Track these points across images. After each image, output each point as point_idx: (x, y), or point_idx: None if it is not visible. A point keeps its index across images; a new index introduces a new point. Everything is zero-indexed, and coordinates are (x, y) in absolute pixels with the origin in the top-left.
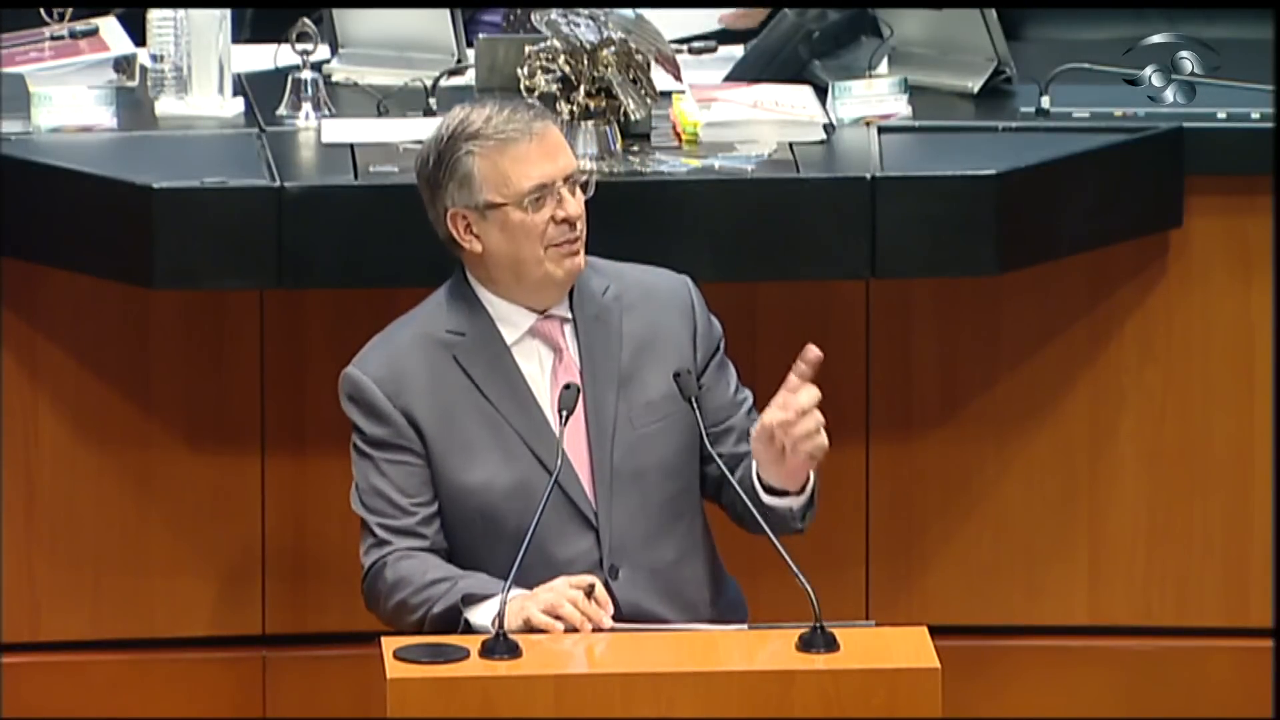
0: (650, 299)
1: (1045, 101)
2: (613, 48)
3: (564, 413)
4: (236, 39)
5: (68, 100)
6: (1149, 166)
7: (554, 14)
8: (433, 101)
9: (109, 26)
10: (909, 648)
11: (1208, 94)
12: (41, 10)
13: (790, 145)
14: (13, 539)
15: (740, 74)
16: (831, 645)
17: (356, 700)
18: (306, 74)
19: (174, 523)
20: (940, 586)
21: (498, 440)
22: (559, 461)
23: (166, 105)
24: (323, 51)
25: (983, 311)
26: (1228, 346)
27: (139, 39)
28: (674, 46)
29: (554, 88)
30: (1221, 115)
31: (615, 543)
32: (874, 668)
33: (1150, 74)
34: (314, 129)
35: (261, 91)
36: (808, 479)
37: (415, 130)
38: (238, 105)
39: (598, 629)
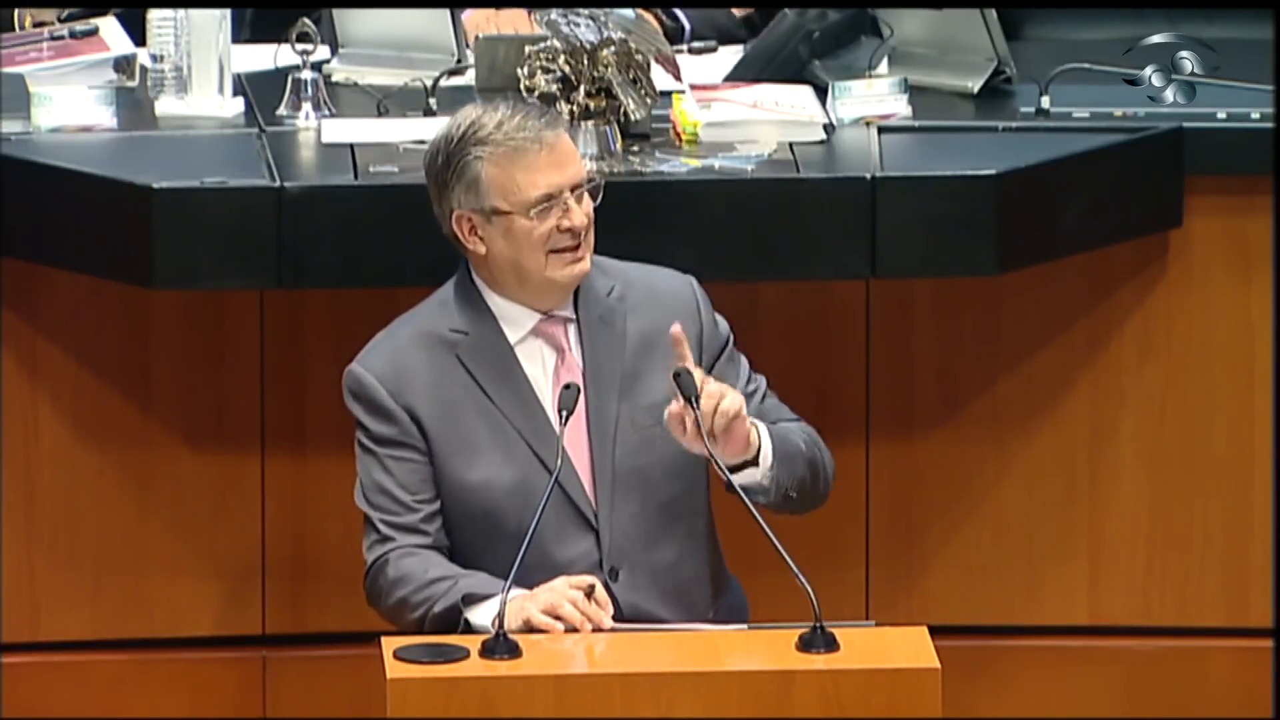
0: (655, 300)
1: (1045, 101)
2: (613, 48)
3: (564, 413)
4: (236, 39)
5: (68, 100)
6: (1149, 166)
7: (554, 14)
8: (433, 101)
9: (109, 26)
10: (909, 648)
11: (1208, 94)
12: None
13: (790, 145)
14: (13, 539)
15: (740, 74)
16: (831, 645)
17: (356, 700)
18: (306, 74)
19: (174, 523)
20: (940, 586)
21: (499, 439)
22: (559, 461)
23: (166, 105)
24: (323, 51)
25: (983, 311)
26: (1228, 346)
27: (139, 39)
28: (674, 47)
29: (554, 88)
30: (1221, 115)
31: (615, 544)
32: (874, 668)
33: (1150, 74)
34: (314, 129)
35: (261, 91)
36: (749, 442)
37: (415, 130)
38: (238, 105)
39: (598, 629)
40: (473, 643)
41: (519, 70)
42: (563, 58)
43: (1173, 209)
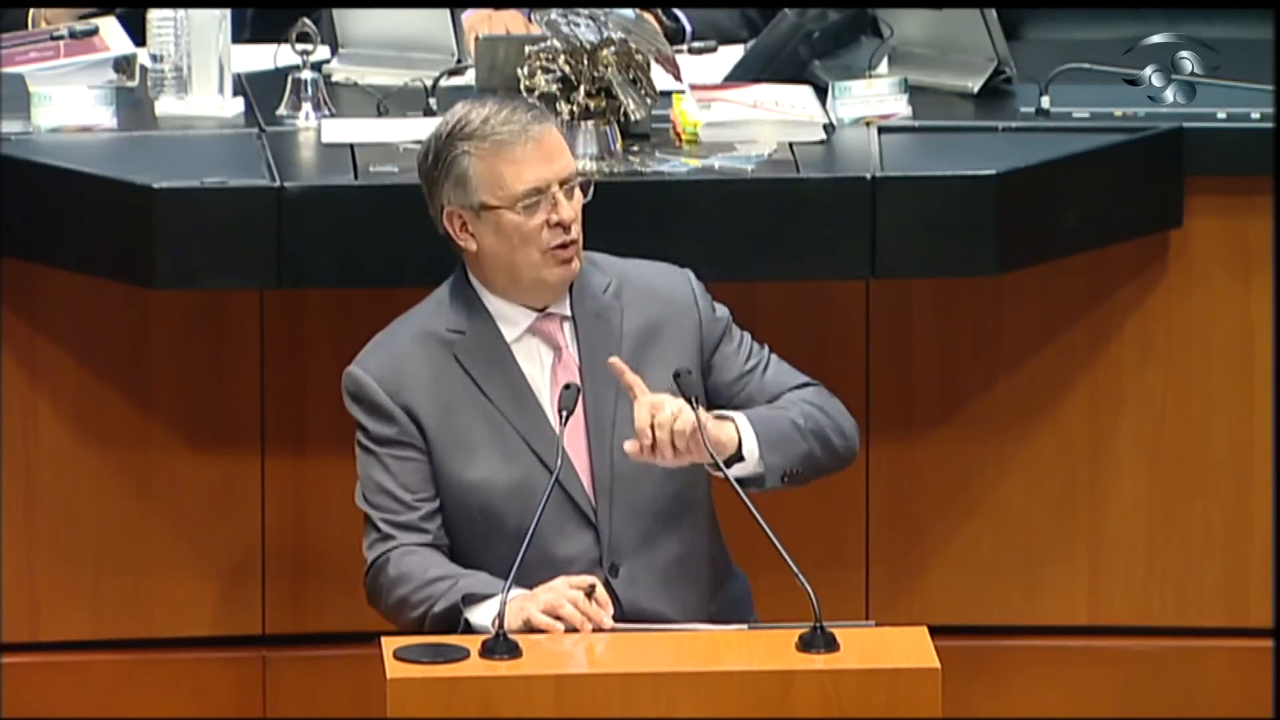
0: (652, 295)
1: (1045, 101)
2: (613, 48)
3: (564, 412)
4: (236, 39)
5: (68, 100)
6: (1149, 166)
7: (554, 14)
8: (433, 101)
9: (109, 26)
10: (909, 648)
11: (1208, 94)
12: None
13: (790, 145)
14: (13, 539)
15: (740, 74)
16: (831, 645)
17: (356, 700)
18: (306, 74)
19: (174, 523)
20: (940, 586)
21: (497, 438)
22: (559, 461)
23: (166, 105)
24: (323, 51)
25: (983, 311)
26: (1228, 346)
27: (139, 39)
28: (674, 47)
29: (554, 88)
30: (1221, 115)
31: (615, 540)
32: (874, 668)
33: (1150, 74)
34: (314, 129)
35: (261, 91)
36: (724, 442)
37: (415, 130)
38: (238, 105)
39: (598, 629)
40: (473, 643)
41: (519, 70)
42: (563, 58)
43: (1173, 209)
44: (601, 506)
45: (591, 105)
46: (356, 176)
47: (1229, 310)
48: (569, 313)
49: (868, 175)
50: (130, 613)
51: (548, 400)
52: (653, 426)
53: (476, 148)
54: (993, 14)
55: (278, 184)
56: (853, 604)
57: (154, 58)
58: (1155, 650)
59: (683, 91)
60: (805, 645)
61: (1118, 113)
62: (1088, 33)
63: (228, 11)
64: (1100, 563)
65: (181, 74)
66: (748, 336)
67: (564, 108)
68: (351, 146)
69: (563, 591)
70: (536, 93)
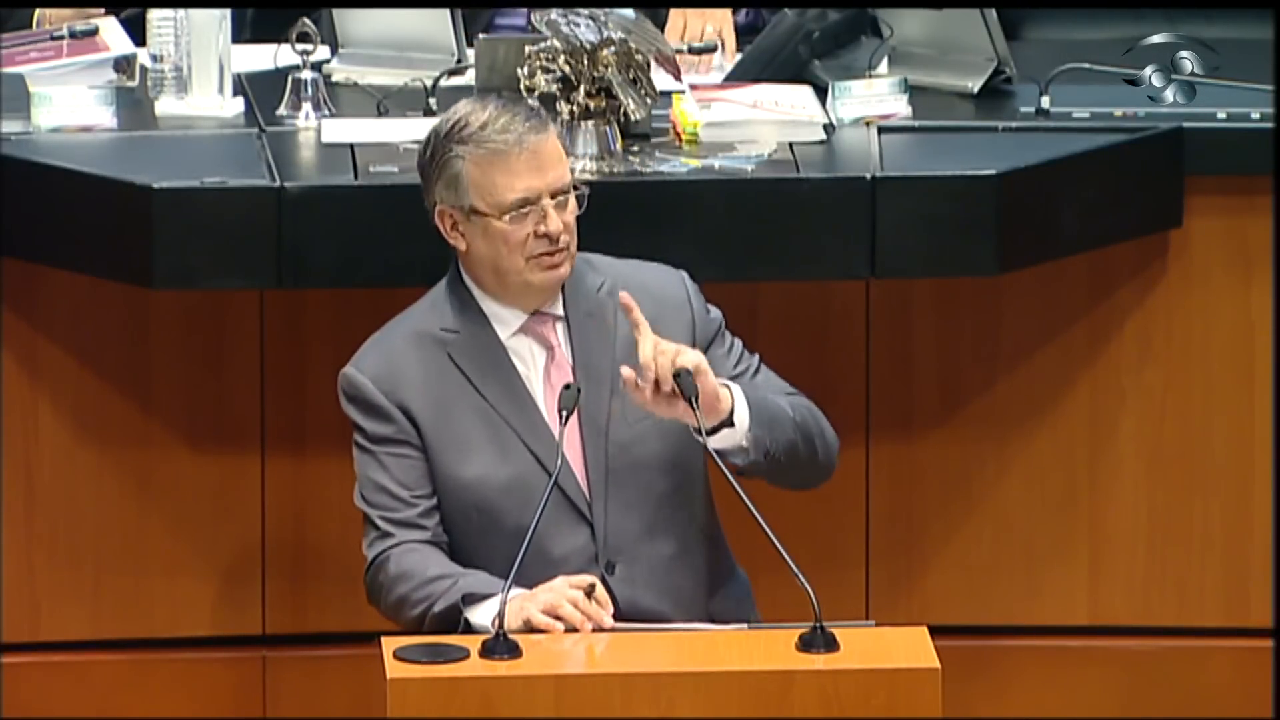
0: (646, 294)
1: (1045, 101)
2: (613, 48)
3: (564, 413)
4: (236, 39)
5: (68, 100)
6: (1149, 166)
7: (554, 14)
8: (433, 101)
9: (109, 26)
10: (909, 648)
11: (1208, 94)
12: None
13: (790, 145)
14: (13, 539)
15: (740, 74)
16: (831, 645)
17: (356, 700)
18: (306, 74)
19: (174, 523)
20: (940, 586)
21: (493, 436)
22: (559, 462)
23: (166, 105)
24: (323, 51)
25: (983, 311)
26: (1228, 346)
27: (139, 39)
28: (674, 46)
29: (554, 88)
30: (1221, 115)
31: (611, 538)
32: (874, 668)
33: (1150, 74)
34: (314, 129)
35: (261, 91)
36: (720, 400)
37: (415, 130)
38: (238, 105)
39: (598, 629)
40: (473, 643)
41: (519, 70)
42: (563, 58)
43: (1173, 209)
44: (597, 504)
45: (591, 105)
46: (356, 176)
47: (1229, 310)
48: (562, 312)
49: (868, 175)
50: (130, 613)
51: (541, 398)
52: (656, 357)
53: (471, 152)
54: (993, 14)
55: (278, 184)
56: (853, 604)
57: (154, 58)
58: (1155, 650)
59: (683, 91)
60: (805, 645)
61: (1118, 113)
62: (1088, 33)
63: (228, 11)
64: (1100, 563)
65: (181, 74)
66: (739, 342)
67: (564, 108)
68: (351, 146)
69: (562, 591)
70: (536, 93)
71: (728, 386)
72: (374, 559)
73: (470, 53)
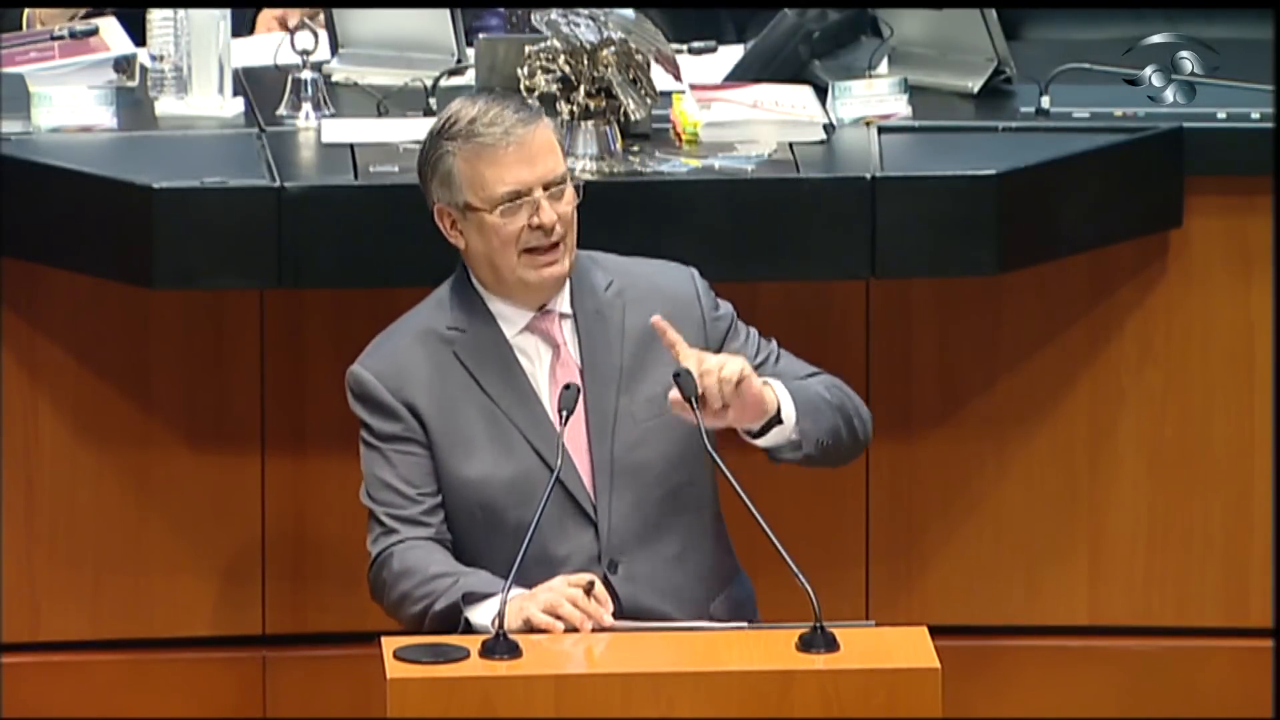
0: (655, 293)
1: (1045, 101)
2: (613, 48)
3: (564, 412)
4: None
5: (68, 100)
6: (1149, 166)
7: (554, 14)
8: (433, 101)
9: (109, 26)
10: (909, 648)
11: (1208, 94)
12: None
13: (790, 145)
14: (13, 539)
15: (740, 74)
16: (831, 645)
17: (356, 700)
18: (306, 74)
19: (174, 523)
20: (940, 586)
21: (498, 435)
22: (559, 460)
23: (166, 105)
24: (323, 51)
25: (983, 311)
26: (1228, 346)
27: (139, 39)
28: (674, 46)
29: (554, 88)
30: (1221, 115)
31: (614, 538)
32: (874, 668)
33: (1150, 74)
34: (314, 129)
35: (261, 91)
36: (766, 401)
37: (415, 130)
38: (238, 105)
39: (598, 627)
40: (473, 643)
41: (519, 70)
42: (563, 58)
43: (1173, 209)
44: (601, 503)
45: (591, 105)
46: (356, 176)
47: (1229, 310)
48: (569, 310)
49: (868, 175)
50: (130, 613)
51: (547, 397)
52: (701, 376)
53: (460, 148)
54: (993, 14)
55: (278, 184)
56: (853, 604)
57: (154, 58)
58: (1155, 650)
59: (683, 91)
60: (805, 645)
61: (1118, 113)
62: (1088, 33)
63: (228, 11)
64: (1100, 563)
65: (181, 74)
66: (754, 331)
67: (564, 108)
68: (351, 146)
69: (562, 590)
70: (537, 93)
71: (768, 384)
72: (378, 555)
73: (470, 53)
